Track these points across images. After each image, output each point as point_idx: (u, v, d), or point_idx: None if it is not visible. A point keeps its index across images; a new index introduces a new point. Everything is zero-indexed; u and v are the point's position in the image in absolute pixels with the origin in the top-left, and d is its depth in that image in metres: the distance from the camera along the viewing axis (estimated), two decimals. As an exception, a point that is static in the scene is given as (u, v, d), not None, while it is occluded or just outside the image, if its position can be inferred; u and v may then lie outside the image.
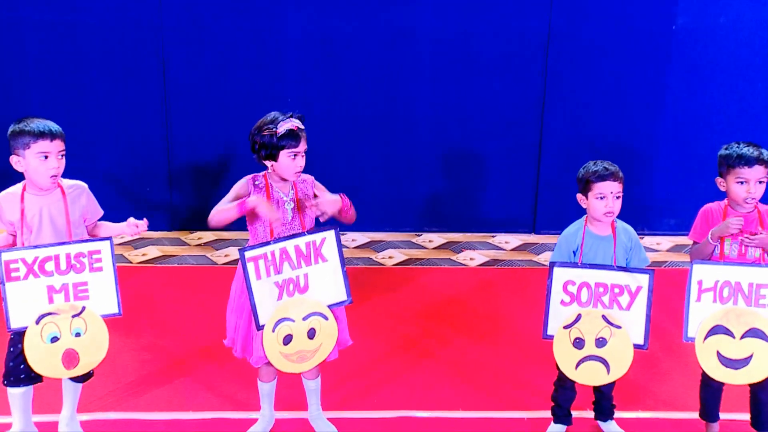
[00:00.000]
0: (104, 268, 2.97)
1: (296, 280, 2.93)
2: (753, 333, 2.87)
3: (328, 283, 3.00)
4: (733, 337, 2.88)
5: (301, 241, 2.94)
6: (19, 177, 3.03)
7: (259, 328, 2.86)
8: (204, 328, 4.23)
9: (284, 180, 3.01)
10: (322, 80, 5.89)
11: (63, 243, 2.93)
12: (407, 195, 6.17)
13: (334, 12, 5.77)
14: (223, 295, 4.71)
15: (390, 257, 5.54)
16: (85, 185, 3.13)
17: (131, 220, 3.15)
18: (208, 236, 5.90)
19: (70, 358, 2.89)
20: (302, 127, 2.99)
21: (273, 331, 2.87)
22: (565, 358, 2.99)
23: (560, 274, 3.00)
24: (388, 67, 5.87)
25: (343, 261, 3.03)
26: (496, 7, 5.77)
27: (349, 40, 5.83)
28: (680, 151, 6.02)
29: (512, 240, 6.00)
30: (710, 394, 3.14)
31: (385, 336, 4.11)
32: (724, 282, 2.90)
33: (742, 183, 2.95)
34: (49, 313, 2.87)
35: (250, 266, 2.81)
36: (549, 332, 3.01)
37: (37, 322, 2.85)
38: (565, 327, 2.98)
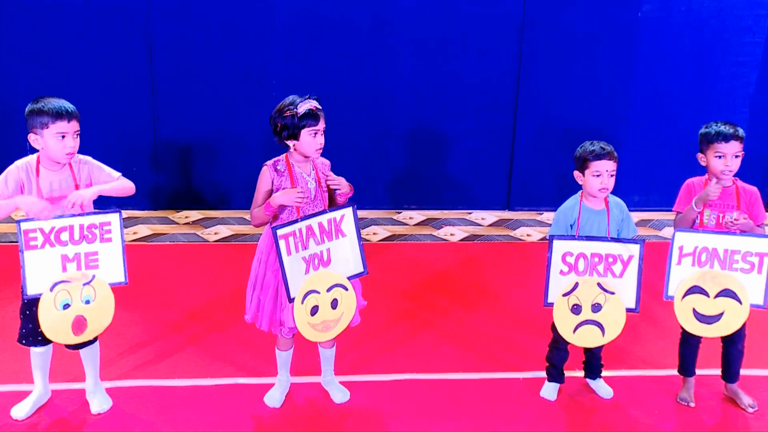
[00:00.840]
0: (113, 239, 3.15)
1: (320, 255, 3.14)
2: (725, 293, 3.20)
3: (347, 256, 3.21)
4: (708, 296, 3.20)
5: (323, 218, 3.14)
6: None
7: (291, 300, 3.06)
8: (205, 302, 4.42)
9: (305, 159, 3.21)
10: (305, 62, 6.05)
11: (77, 215, 3.07)
12: (387, 173, 6.40)
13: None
14: (216, 270, 4.95)
15: (374, 233, 5.78)
16: (90, 158, 3.27)
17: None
18: (195, 215, 6.05)
19: (79, 324, 3.07)
20: (320, 107, 3.18)
21: (302, 303, 3.07)
22: (564, 323, 3.27)
23: (559, 246, 3.27)
24: (370, 51, 6.06)
25: (360, 235, 3.25)
26: (472, -8, 6.03)
27: (331, 23, 6.00)
28: (646, 132, 6.37)
29: (488, 216, 6.29)
30: (688, 350, 3.47)
31: (383, 307, 4.33)
32: (702, 248, 3.21)
33: (720, 157, 3.27)
34: (62, 281, 3.03)
35: (282, 243, 3.00)
36: (549, 300, 3.29)
37: (51, 290, 3.01)
38: (564, 295, 3.25)
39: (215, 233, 5.67)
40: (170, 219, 5.95)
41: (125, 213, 5.86)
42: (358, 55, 6.08)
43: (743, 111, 6.41)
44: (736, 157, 3.27)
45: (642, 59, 6.26)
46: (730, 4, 6.18)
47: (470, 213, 6.35)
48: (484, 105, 6.28)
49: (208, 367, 3.71)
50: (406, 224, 6.03)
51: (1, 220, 3.13)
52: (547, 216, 6.30)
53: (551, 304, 3.28)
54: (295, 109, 3.12)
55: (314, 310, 3.11)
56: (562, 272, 3.27)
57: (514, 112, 6.30)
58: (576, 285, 3.25)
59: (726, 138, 3.23)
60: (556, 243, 3.27)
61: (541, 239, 5.75)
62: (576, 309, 3.27)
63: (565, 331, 3.28)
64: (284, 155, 3.25)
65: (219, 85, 6.03)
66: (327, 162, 3.35)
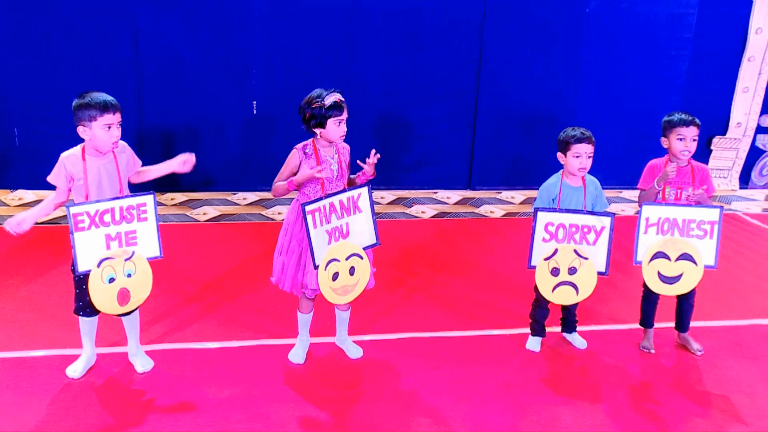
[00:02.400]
0: (149, 218, 3.50)
1: (340, 228, 3.58)
2: (684, 257, 3.79)
3: (362, 229, 3.66)
4: (670, 260, 3.80)
5: (343, 196, 3.58)
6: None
7: (316, 267, 3.49)
8: (213, 276, 4.82)
9: (329, 144, 3.65)
10: (283, 53, 6.44)
11: (117, 198, 3.43)
12: (358, 155, 6.82)
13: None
14: (214, 247, 5.34)
15: (352, 212, 6.23)
16: (126, 145, 3.60)
17: (181, 156, 3.65)
18: (179, 197, 6.37)
19: (123, 295, 3.43)
20: (343, 99, 3.61)
21: (325, 269, 3.51)
22: (544, 283, 3.82)
23: (542, 217, 3.81)
24: (346, 41, 6.50)
25: (374, 211, 3.71)
26: (438, -12, 6.54)
27: (308, 16, 6.39)
28: (593, 117, 7.01)
29: (453, 195, 6.84)
30: (649, 306, 4.09)
31: (375, 277, 4.79)
32: (664, 219, 3.80)
33: (681, 139, 3.86)
34: (107, 258, 3.38)
35: (309, 218, 3.43)
36: (532, 263, 3.83)
37: (98, 266, 3.36)
38: (545, 259, 3.80)
39: (204, 213, 6.02)
40: (158, 201, 6.23)
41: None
42: (335, 46, 6.50)
43: (675, 98, 7.14)
44: (694, 140, 3.87)
45: (589, 51, 6.90)
46: (663, 3, 6.87)
47: (436, 192, 6.88)
48: (447, 93, 6.80)
49: (230, 331, 4.12)
50: (379, 203, 6.50)
51: (45, 216, 3.46)
52: (506, 194, 6.89)
53: (534, 267, 3.82)
54: (322, 101, 3.54)
55: (335, 276, 3.55)
56: (544, 239, 3.80)
57: (475, 99, 6.85)
58: (556, 251, 3.79)
59: (686, 123, 3.83)
60: (540, 214, 3.80)
61: (503, 215, 6.34)
62: (555, 271, 3.82)
63: (545, 290, 3.82)
64: (311, 140, 3.66)
65: (201, 74, 6.35)
66: (347, 147, 3.79)
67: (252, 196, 6.51)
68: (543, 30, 6.76)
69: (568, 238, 3.81)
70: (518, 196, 6.90)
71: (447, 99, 6.81)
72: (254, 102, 6.44)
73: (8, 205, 6.01)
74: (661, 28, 6.96)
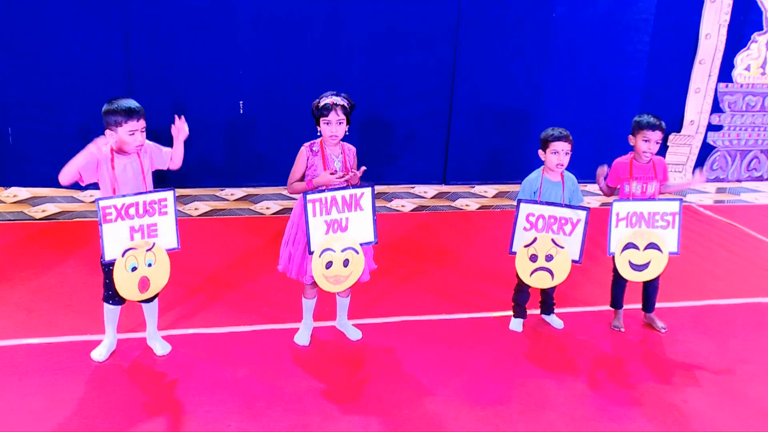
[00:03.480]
0: (168, 212, 3.79)
1: (339, 221, 3.89)
2: (651, 246, 4.24)
3: (362, 226, 3.96)
4: (639, 250, 4.25)
5: (346, 193, 3.89)
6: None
7: (310, 253, 3.81)
8: (213, 268, 5.12)
9: (335, 143, 3.99)
10: (268, 56, 6.74)
11: (141, 193, 3.72)
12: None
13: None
14: (208, 241, 5.64)
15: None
16: (149, 142, 3.87)
17: (174, 128, 3.87)
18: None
19: (144, 283, 3.73)
20: (340, 103, 3.93)
21: (319, 256, 3.81)
22: (523, 268, 4.21)
23: (524, 208, 4.19)
24: (330, 44, 6.83)
25: (375, 211, 4.02)
26: (417, -4, 6.92)
27: (293, 20, 6.71)
28: (559, 115, 7.45)
29: (429, 190, 7.23)
30: (619, 290, 4.54)
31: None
32: (633, 213, 4.24)
33: (646, 141, 4.30)
34: (130, 248, 3.68)
35: (310, 206, 3.75)
36: (513, 249, 4.22)
37: (123, 255, 3.65)
38: (525, 246, 4.20)
39: (195, 209, 6.30)
40: (148, 196, 6.50)
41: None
42: (316, 49, 6.82)
43: (635, 97, 7.65)
44: (657, 143, 4.32)
45: (555, 54, 7.36)
46: (622, 9, 7.37)
47: (413, 187, 7.27)
48: (424, 92, 7.19)
49: (237, 317, 4.44)
50: (360, 198, 6.85)
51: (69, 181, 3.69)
52: (479, 188, 7.31)
53: (515, 253, 4.22)
54: (318, 102, 3.89)
55: (329, 265, 3.84)
56: (525, 228, 4.19)
57: (450, 99, 7.25)
58: (535, 239, 4.19)
59: (653, 128, 4.28)
60: (522, 205, 4.19)
61: (478, 208, 6.76)
62: (533, 258, 4.21)
63: (524, 274, 4.22)
64: (319, 139, 4.00)
65: (190, 76, 6.61)
66: (353, 148, 4.13)
67: (239, 192, 6.81)
68: (513, 34, 7.19)
69: (546, 228, 4.21)
70: (491, 190, 7.33)
71: (423, 99, 7.19)
72: (241, 102, 6.73)
73: (4, 202, 6.21)
74: (621, 33, 7.45)
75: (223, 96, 6.68)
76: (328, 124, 3.94)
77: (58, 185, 3.75)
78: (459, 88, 7.22)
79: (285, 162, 6.80)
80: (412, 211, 6.63)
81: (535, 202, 4.23)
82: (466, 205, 6.84)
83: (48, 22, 6.22)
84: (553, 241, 4.19)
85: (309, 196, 3.78)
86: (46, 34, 6.25)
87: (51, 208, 6.07)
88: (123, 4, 6.29)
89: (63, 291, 4.64)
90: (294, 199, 6.53)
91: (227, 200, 6.59)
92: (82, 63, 6.36)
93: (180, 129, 3.91)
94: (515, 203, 4.24)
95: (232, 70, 6.68)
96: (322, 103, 3.93)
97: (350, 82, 6.95)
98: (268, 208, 6.42)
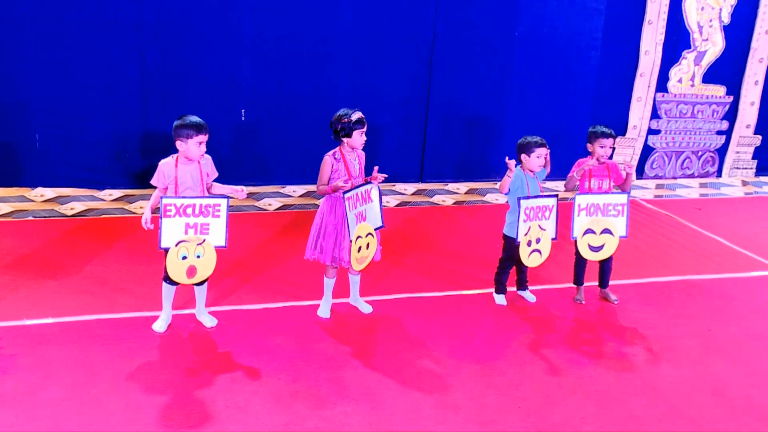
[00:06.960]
0: (221, 216, 4.50)
1: (361, 213, 4.79)
2: (605, 231, 5.22)
3: (373, 215, 4.87)
4: (595, 234, 5.23)
5: (362, 189, 4.78)
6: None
7: (351, 241, 4.70)
8: (230, 260, 5.93)
9: (352, 150, 4.86)
10: (266, 71, 7.53)
11: (199, 197, 4.50)
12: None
13: (280, 18, 7.44)
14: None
15: (329, 202, 7.44)
16: (209, 156, 4.71)
17: (237, 187, 4.73)
18: (180, 191, 7.39)
19: (191, 271, 4.50)
20: (363, 116, 4.80)
21: (354, 242, 4.72)
22: (525, 253, 5.07)
23: (524, 204, 5.03)
24: (321, 60, 7.67)
25: (381, 201, 4.91)
26: (397, 16, 7.80)
27: (289, 38, 7.52)
28: (520, 121, 8.47)
29: (409, 187, 8.15)
30: (580, 269, 5.52)
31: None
32: (591, 204, 5.21)
33: (602, 147, 5.28)
34: (183, 240, 4.44)
35: (347, 203, 4.63)
36: (518, 239, 5.07)
37: (176, 246, 4.41)
38: (525, 235, 5.09)
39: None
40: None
41: (122, 192, 7.17)
42: (310, 63, 7.65)
43: (586, 105, 8.69)
44: (611, 148, 5.31)
45: (518, 67, 8.34)
46: (576, 28, 8.40)
47: (394, 185, 8.17)
48: (402, 100, 8.09)
49: (263, 296, 5.27)
50: (349, 195, 7.73)
51: (153, 208, 4.53)
52: (452, 186, 8.26)
53: (519, 243, 5.08)
54: (349, 117, 4.74)
55: (359, 249, 4.75)
56: (524, 220, 5.04)
57: (426, 106, 8.17)
58: (529, 228, 5.10)
59: (607, 136, 5.27)
60: (522, 202, 5.05)
61: (454, 203, 7.71)
62: (529, 243, 5.09)
63: (524, 257, 5.09)
64: (338, 148, 4.86)
65: (198, 86, 7.37)
66: (363, 153, 5.01)
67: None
68: (481, 50, 8.15)
69: (534, 216, 5.07)
70: (462, 187, 8.29)
71: (402, 106, 8.10)
72: (243, 110, 7.53)
73: (34, 201, 6.89)
74: (573, 49, 8.49)
75: (227, 105, 7.47)
76: (362, 134, 4.79)
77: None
78: (434, 97, 8.15)
79: (283, 163, 7.93)
80: (396, 206, 7.54)
81: (527, 197, 5.08)
82: (443, 201, 7.78)
83: (71, 42, 6.90)
84: (539, 226, 5.06)
85: (347, 195, 4.60)
86: (70, 51, 6.93)
87: (78, 206, 6.78)
88: (138, 25, 7.01)
89: (114, 277, 5.40)
90: (292, 197, 7.37)
91: (234, 198, 7.36)
92: (102, 76, 7.06)
93: (239, 196, 4.69)
94: (516, 201, 5.05)
95: (236, 82, 7.47)
96: (355, 118, 4.75)
97: (339, 92, 7.80)
98: (270, 205, 7.24)
